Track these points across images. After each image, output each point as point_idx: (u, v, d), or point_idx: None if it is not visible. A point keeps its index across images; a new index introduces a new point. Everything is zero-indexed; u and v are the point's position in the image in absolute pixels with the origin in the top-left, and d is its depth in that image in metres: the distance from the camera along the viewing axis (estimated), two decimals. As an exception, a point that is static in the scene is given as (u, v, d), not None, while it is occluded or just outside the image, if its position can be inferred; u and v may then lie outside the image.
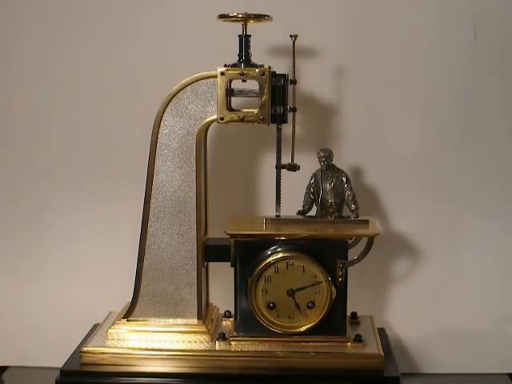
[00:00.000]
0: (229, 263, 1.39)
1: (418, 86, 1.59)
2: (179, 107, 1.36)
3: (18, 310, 1.69)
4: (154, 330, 1.40)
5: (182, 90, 1.36)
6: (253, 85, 1.37)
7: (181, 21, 1.58)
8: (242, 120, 1.36)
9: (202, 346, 1.38)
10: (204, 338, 1.39)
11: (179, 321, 1.41)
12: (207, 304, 1.48)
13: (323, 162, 1.41)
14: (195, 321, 1.40)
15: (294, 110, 1.38)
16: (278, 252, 1.36)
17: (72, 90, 1.63)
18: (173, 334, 1.39)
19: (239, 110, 1.37)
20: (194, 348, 1.37)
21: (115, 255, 1.65)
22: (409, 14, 1.57)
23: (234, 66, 1.37)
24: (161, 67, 1.58)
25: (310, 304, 1.37)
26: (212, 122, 1.37)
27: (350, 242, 1.40)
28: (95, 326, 1.51)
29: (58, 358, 1.41)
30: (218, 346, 1.37)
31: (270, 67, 1.35)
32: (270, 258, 1.36)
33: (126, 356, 1.36)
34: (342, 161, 1.55)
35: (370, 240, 1.38)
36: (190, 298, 1.40)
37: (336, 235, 1.37)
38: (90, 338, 1.42)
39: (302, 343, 1.37)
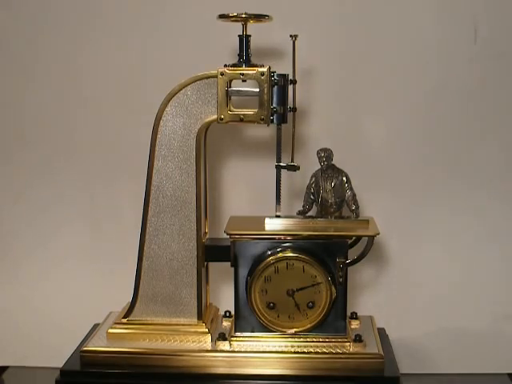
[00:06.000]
0: (229, 263, 1.39)
1: (418, 86, 1.59)
2: (179, 107, 1.36)
3: (18, 309, 1.69)
4: (153, 330, 1.40)
5: (181, 89, 1.35)
6: (253, 85, 1.37)
7: (181, 21, 1.59)
8: (241, 120, 1.36)
9: (202, 346, 1.38)
10: (204, 338, 1.39)
11: (179, 321, 1.40)
12: (207, 304, 1.48)
13: (323, 162, 1.41)
14: (195, 321, 1.40)
15: (294, 109, 1.39)
16: (278, 252, 1.36)
17: (72, 91, 1.63)
18: (173, 334, 1.39)
19: (239, 110, 1.37)
20: (193, 348, 1.37)
21: (115, 255, 1.65)
22: (409, 14, 1.57)
23: (234, 66, 1.37)
24: (161, 67, 1.59)
25: (310, 304, 1.37)
26: (212, 121, 1.37)
27: (349, 241, 1.40)
28: (95, 326, 1.51)
29: (57, 358, 1.41)
30: (218, 345, 1.37)
31: (269, 67, 1.35)
32: (270, 258, 1.36)
33: (126, 356, 1.36)
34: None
35: (370, 240, 1.38)
36: (190, 298, 1.40)
37: (336, 235, 1.37)
38: (90, 338, 1.42)
39: (302, 343, 1.37)
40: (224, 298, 1.56)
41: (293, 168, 1.40)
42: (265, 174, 1.56)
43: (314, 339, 1.38)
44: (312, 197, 1.43)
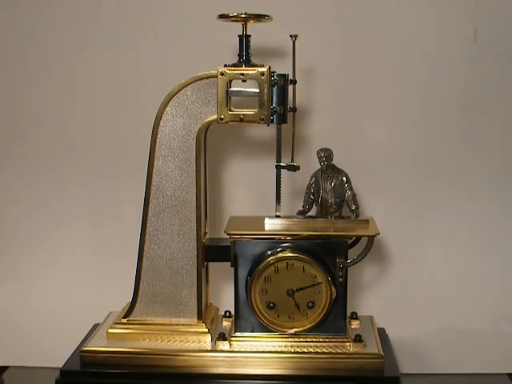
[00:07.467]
0: (229, 263, 1.39)
1: (418, 85, 1.59)
2: (179, 107, 1.36)
3: (18, 309, 1.69)
4: (153, 330, 1.40)
5: (181, 89, 1.35)
6: (253, 85, 1.37)
7: (181, 21, 1.58)
8: (241, 120, 1.36)
9: (202, 346, 1.38)
10: (204, 338, 1.39)
11: (179, 321, 1.40)
12: (207, 304, 1.48)
13: (323, 162, 1.41)
14: (195, 321, 1.40)
15: (294, 109, 1.39)
16: (278, 252, 1.36)
17: (72, 90, 1.63)
18: (173, 334, 1.39)
19: (239, 110, 1.37)
20: (193, 348, 1.37)
21: (115, 255, 1.65)
22: (409, 15, 1.57)
23: (234, 66, 1.37)
24: (161, 67, 1.58)
25: (310, 304, 1.37)
26: (212, 121, 1.37)
27: (349, 241, 1.40)
28: (95, 326, 1.51)
29: (57, 358, 1.41)
30: (218, 345, 1.37)
31: (269, 67, 1.35)
32: (270, 258, 1.36)
33: (125, 356, 1.36)
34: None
35: (370, 240, 1.38)
36: (190, 298, 1.40)
37: (336, 235, 1.37)
38: (90, 338, 1.42)
39: (302, 343, 1.37)
40: (224, 298, 1.56)
41: (293, 168, 1.40)
42: (265, 174, 1.56)
43: (314, 339, 1.38)
44: (312, 197, 1.43)
